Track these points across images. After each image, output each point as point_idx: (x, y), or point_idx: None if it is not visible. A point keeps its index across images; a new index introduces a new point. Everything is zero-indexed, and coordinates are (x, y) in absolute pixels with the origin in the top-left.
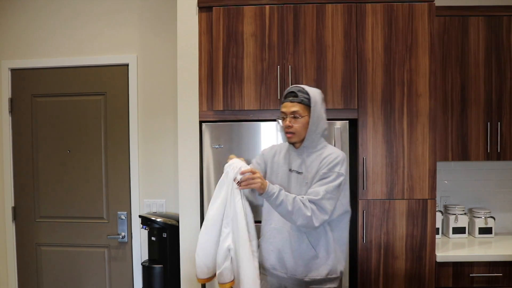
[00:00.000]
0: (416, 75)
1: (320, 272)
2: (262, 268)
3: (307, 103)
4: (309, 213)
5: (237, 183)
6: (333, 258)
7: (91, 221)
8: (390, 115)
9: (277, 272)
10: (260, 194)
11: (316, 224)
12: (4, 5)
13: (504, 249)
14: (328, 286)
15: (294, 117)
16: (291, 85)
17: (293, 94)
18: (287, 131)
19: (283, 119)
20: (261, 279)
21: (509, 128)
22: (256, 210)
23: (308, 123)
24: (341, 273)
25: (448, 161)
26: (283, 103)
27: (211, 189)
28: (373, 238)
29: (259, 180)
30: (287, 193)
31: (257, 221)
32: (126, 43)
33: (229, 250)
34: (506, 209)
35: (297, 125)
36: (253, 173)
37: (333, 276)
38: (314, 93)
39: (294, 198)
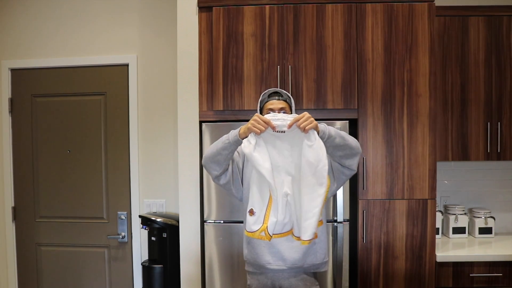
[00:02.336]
0: (416, 75)
1: (318, 257)
2: (253, 266)
3: (289, 103)
4: (353, 143)
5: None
6: (326, 242)
7: (91, 221)
8: (390, 115)
9: (273, 266)
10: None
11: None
12: (4, 5)
13: (504, 249)
14: (323, 269)
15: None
16: (291, 85)
17: (278, 94)
18: None
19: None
20: (251, 279)
21: (509, 128)
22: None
23: None
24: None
25: (448, 161)
26: (267, 101)
27: (211, 189)
28: (373, 238)
29: (313, 119)
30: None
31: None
32: (126, 43)
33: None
34: (506, 209)
35: None
36: (305, 115)
37: (326, 259)
38: (291, 96)
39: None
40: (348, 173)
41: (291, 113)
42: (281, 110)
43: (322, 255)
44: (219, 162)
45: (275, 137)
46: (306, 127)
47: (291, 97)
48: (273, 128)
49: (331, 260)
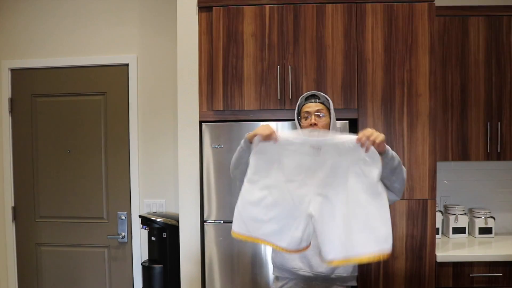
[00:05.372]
0: (416, 75)
1: (347, 269)
2: (280, 271)
3: (327, 106)
4: (405, 175)
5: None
6: None
7: (91, 221)
8: (390, 115)
9: (301, 272)
10: (380, 152)
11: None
12: (4, 5)
13: (504, 249)
14: (350, 283)
15: (319, 116)
16: (291, 85)
17: (315, 96)
18: (313, 129)
19: (306, 118)
20: (277, 284)
21: (509, 128)
22: None
23: (329, 124)
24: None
25: (448, 161)
26: (304, 104)
27: (211, 189)
28: None
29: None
30: None
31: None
32: (126, 43)
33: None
34: (506, 209)
35: (321, 123)
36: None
37: (355, 274)
38: (329, 98)
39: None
40: (392, 199)
41: (330, 116)
42: (317, 112)
43: (351, 268)
44: (242, 170)
45: (305, 153)
46: (377, 141)
47: (329, 99)
48: (275, 140)
49: None
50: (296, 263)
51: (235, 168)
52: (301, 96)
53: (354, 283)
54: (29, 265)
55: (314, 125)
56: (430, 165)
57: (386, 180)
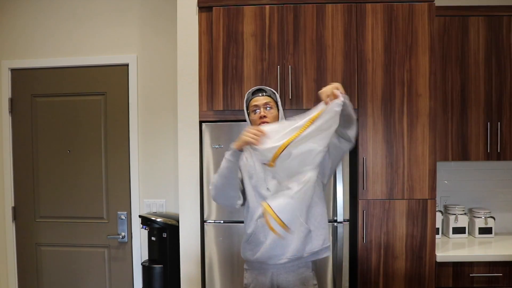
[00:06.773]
0: (416, 75)
1: (315, 244)
2: (252, 263)
3: (275, 99)
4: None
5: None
6: (324, 227)
7: (91, 221)
8: (390, 115)
9: (273, 261)
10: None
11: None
12: (4, 5)
13: (504, 249)
14: (324, 255)
15: (267, 109)
16: (291, 85)
17: (261, 90)
18: (263, 121)
19: (255, 112)
20: (248, 277)
21: (509, 128)
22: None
23: (277, 117)
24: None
25: (448, 161)
26: (252, 99)
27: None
28: (373, 238)
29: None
30: None
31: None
32: (126, 42)
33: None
34: (506, 209)
35: (270, 115)
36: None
37: (326, 245)
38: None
39: None
40: (346, 147)
41: (278, 109)
42: (265, 105)
43: (321, 241)
44: (232, 184)
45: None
46: (336, 93)
47: (275, 92)
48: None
49: (330, 260)
50: (278, 256)
51: (222, 186)
52: (248, 92)
53: (328, 253)
54: (29, 265)
55: (263, 117)
56: (430, 165)
57: (346, 125)
